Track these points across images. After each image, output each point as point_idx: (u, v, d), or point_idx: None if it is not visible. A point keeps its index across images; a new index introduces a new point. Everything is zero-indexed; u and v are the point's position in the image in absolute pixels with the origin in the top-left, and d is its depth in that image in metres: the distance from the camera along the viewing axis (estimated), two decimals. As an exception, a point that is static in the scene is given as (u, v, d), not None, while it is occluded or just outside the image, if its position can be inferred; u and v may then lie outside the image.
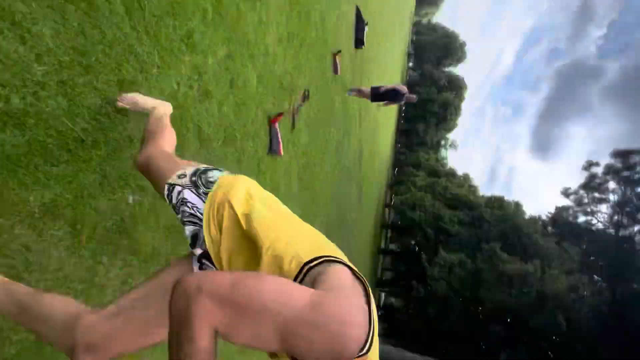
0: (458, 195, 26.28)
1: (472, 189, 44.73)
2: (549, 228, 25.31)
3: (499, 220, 22.41)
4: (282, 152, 3.64)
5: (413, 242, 24.47)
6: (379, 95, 6.71)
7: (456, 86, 54.55)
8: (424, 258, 19.92)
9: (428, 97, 51.93)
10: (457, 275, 17.19)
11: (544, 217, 25.52)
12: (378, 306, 30.41)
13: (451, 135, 58.05)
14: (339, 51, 6.25)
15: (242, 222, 0.84)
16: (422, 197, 24.70)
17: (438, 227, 23.38)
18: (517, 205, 26.76)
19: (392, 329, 20.70)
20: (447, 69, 56.89)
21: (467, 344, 14.65)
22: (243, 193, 0.93)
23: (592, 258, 15.05)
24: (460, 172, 47.84)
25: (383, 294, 29.90)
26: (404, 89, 6.51)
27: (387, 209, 46.31)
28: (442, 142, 56.73)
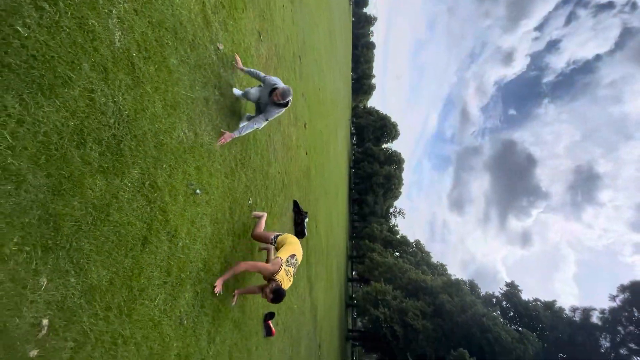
0: (416, 280, 24.79)
1: (425, 255, 44.34)
2: (505, 304, 24.37)
3: (460, 310, 20.97)
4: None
5: (384, 348, 21.81)
6: None
7: (395, 160, 57.15)
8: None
9: (373, 172, 53.44)
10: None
11: (497, 294, 24.70)
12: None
13: (397, 203, 59.25)
14: (272, 314, 4.61)
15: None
16: (384, 290, 22.76)
17: (404, 322, 21.25)
18: (472, 284, 25.88)
19: None
20: (385, 146, 59.99)
21: None
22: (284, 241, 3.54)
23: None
24: (411, 239, 47.72)
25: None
26: None
27: (350, 283, 43.68)
28: (391, 210, 57.41)
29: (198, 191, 2.67)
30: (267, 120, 3.34)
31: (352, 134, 62.92)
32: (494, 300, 24.10)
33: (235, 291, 3.34)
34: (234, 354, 3.29)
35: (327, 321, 13.11)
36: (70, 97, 1.50)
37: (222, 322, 3.04)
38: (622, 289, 7.91)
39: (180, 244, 2.38)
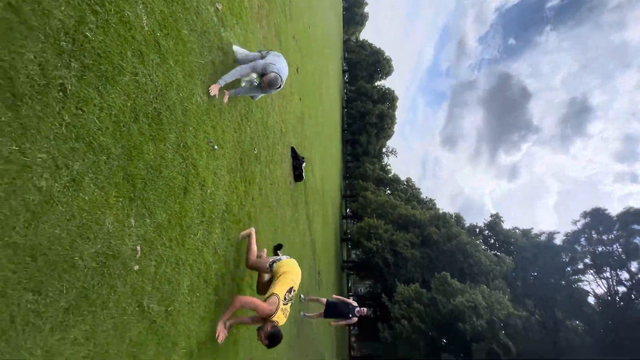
0: (406, 215, 26.69)
1: (415, 191, 46.51)
2: (487, 233, 26.78)
3: (446, 239, 23.13)
4: None
5: (376, 275, 24.38)
6: (333, 309, 6.30)
7: (389, 98, 56.10)
8: (384, 298, 19.84)
9: (366, 111, 52.87)
10: (417, 310, 17.35)
11: (481, 225, 26.99)
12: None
13: (390, 142, 59.79)
14: (280, 245, 5.38)
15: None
16: (376, 225, 24.67)
17: (394, 252, 23.52)
18: (458, 217, 27.96)
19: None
20: (378, 83, 58.29)
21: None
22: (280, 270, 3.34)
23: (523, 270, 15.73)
24: (403, 177, 49.45)
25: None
26: (355, 305, 6.06)
27: (345, 220, 46.45)
28: (384, 150, 58.18)
29: (216, 147, 3.17)
30: (263, 93, 3.55)
31: (344, 71, 60.50)
32: (477, 230, 26.47)
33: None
34: (253, 276, 4.14)
35: (324, 253, 14.63)
36: (124, 82, 1.91)
37: (243, 251, 3.80)
38: (584, 214, 9.04)
39: (208, 191, 2.97)
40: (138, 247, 1.96)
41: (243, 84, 3.83)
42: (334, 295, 7.77)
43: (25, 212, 1.30)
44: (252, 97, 4.09)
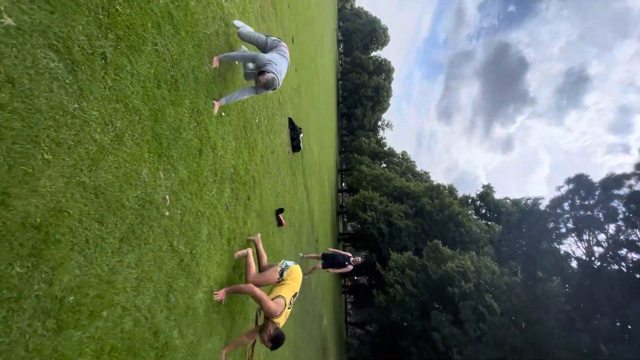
0: (400, 187, 27.32)
1: (410, 164, 47.03)
2: (479, 203, 27.64)
3: (439, 209, 23.91)
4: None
5: (371, 245, 25.31)
6: (330, 260, 6.78)
7: (384, 69, 55.15)
8: (379, 267, 20.82)
9: (361, 83, 52.11)
10: (409, 276, 18.36)
11: (473, 196, 27.78)
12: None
13: (385, 115, 59.46)
14: (282, 209, 5.77)
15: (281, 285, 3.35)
16: (371, 197, 25.32)
17: (389, 223, 24.34)
18: (451, 188, 28.68)
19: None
20: (374, 54, 57.05)
21: (427, 341, 15.97)
22: (289, 277, 3.40)
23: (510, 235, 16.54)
24: (398, 151, 49.75)
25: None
26: (349, 255, 6.55)
27: (340, 194, 47.21)
28: (379, 123, 57.96)
29: (223, 114, 3.44)
30: (256, 93, 3.41)
31: (339, 41, 58.85)
32: (470, 200, 27.29)
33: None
34: (260, 234, 4.56)
35: (321, 224, 15.20)
36: (147, 52, 2.17)
37: (249, 211, 4.18)
38: (568, 180, 9.54)
39: (219, 154, 3.28)
40: (167, 197, 2.31)
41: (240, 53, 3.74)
42: (330, 249, 8.36)
43: (88, 159, 1.62)
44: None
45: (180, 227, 2.47)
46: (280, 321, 3.03)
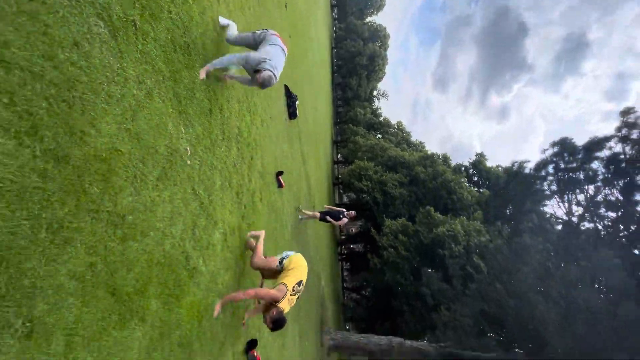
0: (395, 157, 27.80)
1: (406, 135, 47.20)
2: (472, 171, 28.36)
3: (432, 178, 24.58)
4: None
5: (366, 215, 26.13)
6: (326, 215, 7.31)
7: (380, 36, 53.70)
8: (373, 232, 21.73)
9: (355, 51, 50.85)
10: (402, 241, 19.35)
11: (466, 164, 28.42)
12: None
13: (381, 84, 58.67)
14: (281, 171, 6.18)
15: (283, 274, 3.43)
16: (366, 167, 25.84)
17: (383, 191, 25.05)
18: (445, 157, 29.22)
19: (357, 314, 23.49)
20: (369, 19, 55.27)
21: (417, 300, 17.26)
22: (290, 265, 3.47)
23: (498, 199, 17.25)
24: (393, 121, 49.73)
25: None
26: (344, 210, 7.05)
27: (336, 165, 47.68)
28: (375, 93, 57.32)
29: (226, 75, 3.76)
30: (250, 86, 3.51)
31: (332, 6, 56.72)
32: (463, 168, 27.96)
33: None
34: (263, 193, 5.02)
35: (318, 193, 15.74)
36: (164, 19, 2.48)
37: (253, 170, 4.61)
38: (553, 144, 10.03)
39: (225, 115, 3.65)
40: (188, 148, 2.71)
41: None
42: (325, 206, 8.97)
43: (130, 110, 2.01)
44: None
45: (199, 175, 2.90)
46: (284, 306, 3.13)
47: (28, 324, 1.28)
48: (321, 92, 24.19)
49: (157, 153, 2.27)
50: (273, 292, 3.10)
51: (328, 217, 7.56)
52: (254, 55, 3.14)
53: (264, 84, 3.12)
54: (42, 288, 1.35)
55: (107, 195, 1.77)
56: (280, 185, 6.16)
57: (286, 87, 7.41)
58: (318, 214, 7.55)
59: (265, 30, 3.42)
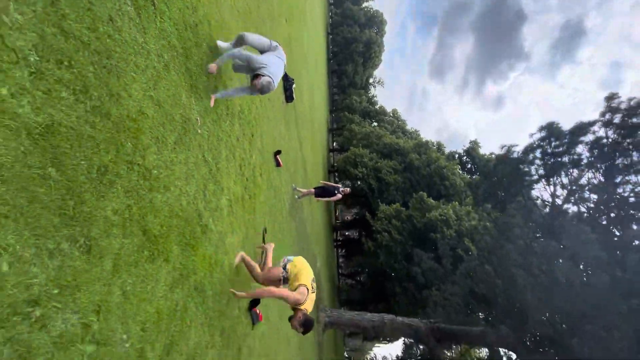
0: (390, 144, 28.17)
1: (401, 123, 47.45)
2: (465, 159, 28.87)
3: (426, 164, 25.05)
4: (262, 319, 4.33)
5: (361, 202, 26.61)
6: (320, 191, 7.53)
7: (376, 22, 53.28)
8: (368, 216, 22.27)
9: (352, 37, 50.49)
10: (395, 225, 19.91)
11: (460, 151, 28.91)
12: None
13: (377, 72, 58.52)
14: (279, 151, 6.49)
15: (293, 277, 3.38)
16: (361, 154, 26.22)
17: (378, 178, 25.52)
18: (439, 144, 29.66)
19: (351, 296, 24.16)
20: (365, 4, 54.66)
21: (410, 282, 17.92)
22: (296, 269, 3.43)
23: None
24: (389, 109, 49.89)
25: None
26: (339, 186, 7.40)
27: (332, 153, 47.95)
28: (371, 80, 57.21)
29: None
30: (252, 94, 3.51)
31: (328, -9, 55.87)
32: (456, 155, 28.46)
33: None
34: (262, 169, 5.35)
35: (314, 177, 16.11)
36: (176, 0, 2.75)
37: (253, 147, 4.93)
38: (541, 128, 10.41)
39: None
40: (198, 118, 3.03)
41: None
42: (321, 181, 9.35)
43: (152, 79, 2.32)
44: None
45: (208, 144, 3.22)
46: (308, 307, 3.18)
47: (88, 243, 1.62)
48: (317, 78, 24.27)
49: (174, 120, 2.58)
50: (295, 295, 3.11)
51: (323, 195, 7.92)
52: (257, 57, 3.27)
53: (263, 90, 3.21)
54: (96, 217, 1.69)
55: (138, 151, 2.09)
56: (278, 164, 6.49)
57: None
58: (313, 190, 7.91)
59: (277, 44, 3.60)
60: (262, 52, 3.55)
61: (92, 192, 1.68)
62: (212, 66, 3.19)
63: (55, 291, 1.43)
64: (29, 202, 1.34)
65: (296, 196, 8.20)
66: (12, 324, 1.23)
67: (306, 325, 3.08)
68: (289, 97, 7.95)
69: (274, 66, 3.31)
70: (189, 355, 2.55)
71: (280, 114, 7.62)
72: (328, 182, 8.30)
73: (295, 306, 3.12)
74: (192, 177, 2.82)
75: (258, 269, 3.58)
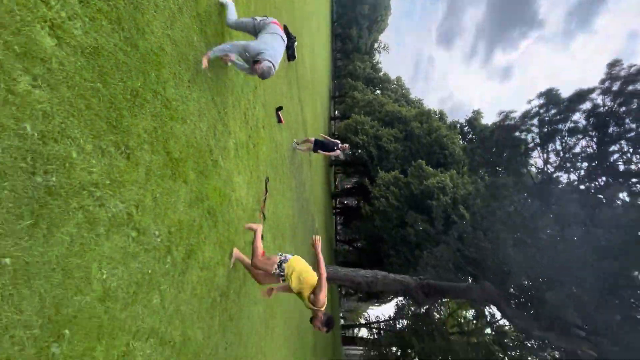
0: (392, 112, 28.06)
1: (405, 91, 46.69)
2: (466, 129, 28.89)
3: (427, 133, 25.16)
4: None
5: (361, 170, 26.97)
6: (320, 145, 7.79)
7: (384, -18, 50.70)
8: (367, 182, 22.75)
9: (358, -1, 48.39)
10: (393, 192, 20.44)
11: (462, 121, 28.82)
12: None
13: (383, 36, 56.56)
14: (281, 107, 6.71)
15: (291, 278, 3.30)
16: (362, 121, 26.22)
17: (378, 146, 25.75)
18: (441, 113, 29.52)
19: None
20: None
21: (403, 245, 18.81)
22: (291, 269, 3.32)
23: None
24: (393, 76, 48.82)
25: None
26: (338, 142, 7.64)
27: (333, 122, 47.67)
28: (376, 46, 55.43)
29: (235, 8, 4.22)
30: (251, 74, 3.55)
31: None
32: (458, 125, 28.45)
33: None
34: (265, 122, 5.66)
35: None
36: (187, -55, 2.94)
37: (257, 100, 5.21)
38: (539, 95, 10.48)
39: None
40: (205, 67, 3.31)
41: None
42: (321, 134, 9.68)
43: (169, 19, 2.59)
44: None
45: (217, 86, 3.53)
46: (323, 300, 3.14)
47: (127, 151, 2.01)
48: (320, 40, 23.73)
49: (188, 60, 2.88)
50: (322, 299, 3.09)
51: (321, 152, 8.21)
52: (253, 44, 3.19)
53: (263, 75, 3.16)
54: (132, 131, 2.06)
55: (160, 82, 2.42)
56: (279, 121, 6.78)
57: (285, 28, 7.68)
58: (312, 140, 8.15)
59: (265, 18, 3.49)
60: (254, 34, 3.48)
61: (128, 109, 2.03)
62: (204, 61, 3.07)
63: (107, 182, 1.83)
64: (86, 108, 1.70)
65: (293, 144, 8.41)
66: (82, 197, 1.64)
67: (328, 323, 3.14)
68: (291, 56, 8.05)
69: (271, 49, 3.21)
70: (204, 265, 3.05)
71: (281, 72, 7.78)
72: (328, 137, 8.55)
73: (312, 307, 3.15)
74: (204, 115, 3.17)
75: (258, 255, 3.51)
